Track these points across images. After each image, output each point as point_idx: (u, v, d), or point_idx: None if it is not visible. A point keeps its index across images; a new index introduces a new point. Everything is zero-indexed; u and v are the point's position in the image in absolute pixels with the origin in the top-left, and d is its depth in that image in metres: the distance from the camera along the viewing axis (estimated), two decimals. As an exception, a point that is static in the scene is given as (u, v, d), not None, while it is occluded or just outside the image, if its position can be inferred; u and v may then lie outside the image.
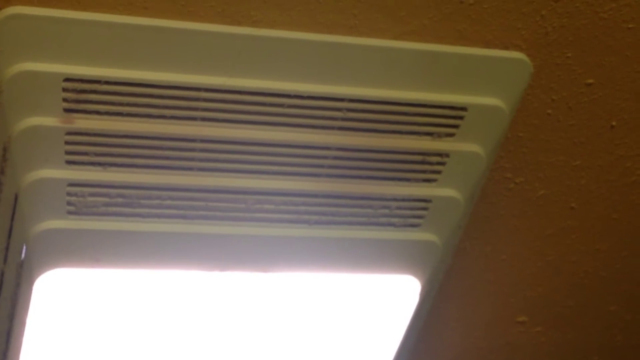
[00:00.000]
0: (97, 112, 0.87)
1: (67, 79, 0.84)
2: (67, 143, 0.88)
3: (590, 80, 1.02)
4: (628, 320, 1.36)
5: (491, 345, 1.34)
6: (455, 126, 0.97)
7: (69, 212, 0.92)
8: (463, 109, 0.96)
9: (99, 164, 0.90)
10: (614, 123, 1.07)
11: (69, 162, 0.89)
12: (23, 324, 0.98)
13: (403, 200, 1.00)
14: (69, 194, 0.91)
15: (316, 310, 1.07)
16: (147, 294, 1.00)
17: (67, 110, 0.86)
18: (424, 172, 0.99)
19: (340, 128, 0.94)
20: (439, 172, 0.99)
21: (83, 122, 0.87)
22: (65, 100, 0.85)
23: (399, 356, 1.18)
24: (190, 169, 0.92)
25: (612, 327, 1.37)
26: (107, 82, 0.85)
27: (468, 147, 0.98)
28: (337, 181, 0.97)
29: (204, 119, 0.90)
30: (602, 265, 1.25)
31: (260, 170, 0.94)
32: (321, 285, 1.05)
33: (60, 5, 0.82)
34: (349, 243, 1.01)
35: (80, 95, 0.85)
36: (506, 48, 0.96)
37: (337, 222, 1.00)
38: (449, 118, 0.96)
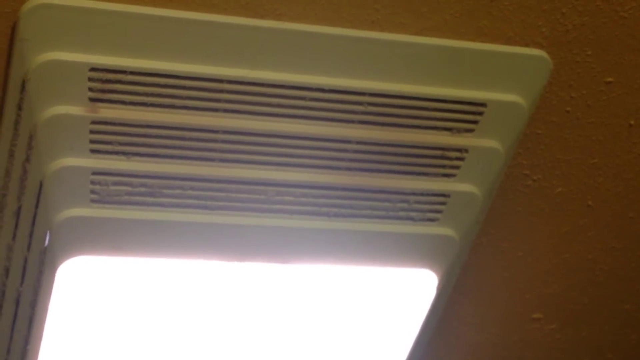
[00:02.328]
0: (122, 102, 0.88)
1: (93, 69, 0.85)
2: (91, 132, 0.89)
3: (610, 79, 1.02)
4: (642, 320, 1.37)
5: (506, 342, 1.34)
6: (475, 122, 0.97)
7: (93, 201, 0.93)
8: (482, 104, 0.96)
9: (123, 153, 0.91)
10: (632, 122, 1.08)
11: (93, 151, 0.90)
12: (45, 310, 0.99)
13: (422, 194, 1.01)
14: (92, 182, 0.92)
15: (333, 302, 1.08)
16: (166, 283, 1.01)
17: (92, 100, 0.87)
18: (442, 167, 1.00)
19: (361, 122, 0.94)
20: (457, 167, 1.00)
21: (108, 112, 0.88)
22: (90, 89, 0.86)
23: (415, 350, 1.18)
24: (212, 159, 0.93)
25: (626, 326, 1.37)
26: (132, 73, 0.86)
27: (487, 143, 0.99)
28: (357, 174, 0.98)
29: (226, 111, 0.91)
30: (618, 263, 1.26)
31: (281, 162, 0.95)
32: (339, 278, 1.05)
33: (88, -5, 0.84)
34: (368, 236, 1.02)
35: (105, 85, 0.86)
36: (526, 45, 0.96)
37: (356, 215, 1.01)
38: (469, 114, 0.97)
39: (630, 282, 1.29)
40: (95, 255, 0.96)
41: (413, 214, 1.02)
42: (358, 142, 0.96)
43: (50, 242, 0.94)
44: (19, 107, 0.87)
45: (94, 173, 0.91)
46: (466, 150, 0.99)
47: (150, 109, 0.89)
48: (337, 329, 1.12)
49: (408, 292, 1.09)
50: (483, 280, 1.23)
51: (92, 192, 0.92)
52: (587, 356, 1.40)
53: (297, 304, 1.07)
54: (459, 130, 0.98)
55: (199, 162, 0.93)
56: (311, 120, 0.93)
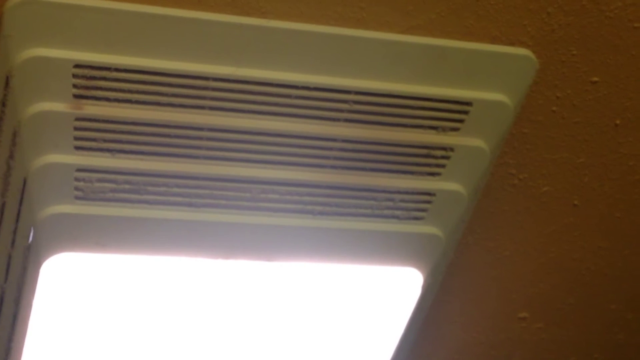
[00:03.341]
0: (107, 99, 0.87)
1: (77, 65, 0.85)
2: (76, 129, 0.88)
3: (596, 79, 1.03)
4: (629, 319, 1.37)
5: (492, 341, 1.34)
6: (460, 121, 0.97)
7: (77, 197, 0.93)
8: (468, 103, 0.96)
9: (107, 150, 0.91)
10: (618, 121, 1.08)
11: (77, 148, 0.90)
12: (29, 307, 0.99)
13: (407, 193, 1.01)
14: (77, 179, 0.91)
15: (318, 301, 1.08)
16: (151, 280, 1.01)
17: (76, 97, 0.87)
18: (428, 165, 1.00)
19: (346, 120, 0.94)
20: (443, 166, 1.00)
21: (92, 109, 0.88)
22: (75, 86, 0.86)
23: (401, 349, 1.18)
24: (197, 157, 0.93)
25: (613, 325, 1.37)
26: (117, 70, 0.86)
27: (472, 141, 0.99)
28: (342, 172, 0.98)
29: (211, 108, 0.90)
30: (604, 263, 1.26)
31: (266, 160, 0.95)
32: (324, 276, 1.05)
33: (72, -8, 0.83)
34: (353, 234, 1.02)
35: (90, 81, 0.86)
36: (512, 44, 0.96)
37: (341, 213, 1.01)
38: (454, 112, 0.97)
39: (617, 281, 1.29)
40: (80, 252, 0.95)
41: (398, 213, 1.02)
42: (343, 140, 0.96)
43: (34, 239, 0.94)
44: (3, 104, 0.87)
45: (78, 170, 0.91)
46: (452, 149, 0.99)
47: (135, 106, 0.89)
48: (322, 328, 1.12)
49: (393, 290, 1.09)
50: (469, 279, 1.24)
51: (77, 189, 0.92)
52: (574, 355, 1.40)
53: (282, 302, 1.07)
54: (444, 129, 0.98)
55: (184, 160, 0.93)
56: (297, 118, 0.93)
